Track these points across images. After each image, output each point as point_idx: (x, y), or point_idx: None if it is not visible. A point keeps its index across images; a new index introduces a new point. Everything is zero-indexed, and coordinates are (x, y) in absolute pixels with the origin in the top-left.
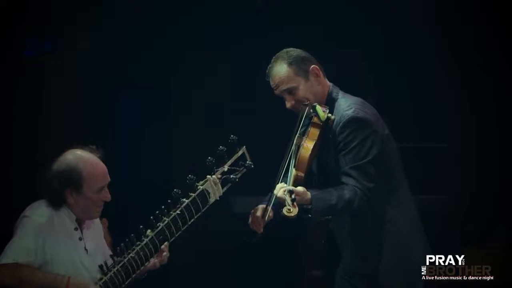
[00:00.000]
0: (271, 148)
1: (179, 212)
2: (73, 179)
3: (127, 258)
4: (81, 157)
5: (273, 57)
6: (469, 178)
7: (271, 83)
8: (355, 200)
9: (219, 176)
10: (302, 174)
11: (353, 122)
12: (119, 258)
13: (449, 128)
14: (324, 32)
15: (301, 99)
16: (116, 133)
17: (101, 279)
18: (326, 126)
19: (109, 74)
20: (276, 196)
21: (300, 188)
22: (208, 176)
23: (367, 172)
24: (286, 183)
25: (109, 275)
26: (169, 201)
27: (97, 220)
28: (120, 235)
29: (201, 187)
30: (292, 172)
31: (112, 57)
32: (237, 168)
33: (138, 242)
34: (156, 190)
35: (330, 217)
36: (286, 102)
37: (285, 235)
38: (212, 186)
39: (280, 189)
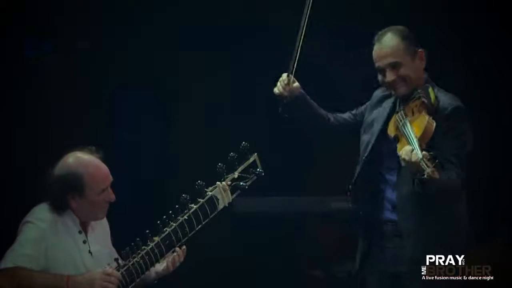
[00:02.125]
0: (271, 148)
1: (186, 218)
2: (74, 184)
3: (131, 262)
4: (81, 160)
5: (384, 29)
6: (471, 177)
7: (377, 52)
8: (456, 185)
9: (228, 182)
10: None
11: (462, 112)
12: (124, 262)
13: None
14: (324, 32)
15: (403, 77)
16: (116, 133)
17: None
18: (431, 109)
19: (109, 74)
20: (408, 161)
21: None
22: (217, 183)
23: (464, 162)
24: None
25: None
26: (176, 206)
27: (104, 220)
28: (120, 235)
29: (210, 193)
30: (417, 142)
31: (112, 57)
32: (248, 175)
33: (144, 247)
34: (156, 191)
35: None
36: (387, 76)
37: (285, 235)
38: (221, 192)
39: (411, 153)
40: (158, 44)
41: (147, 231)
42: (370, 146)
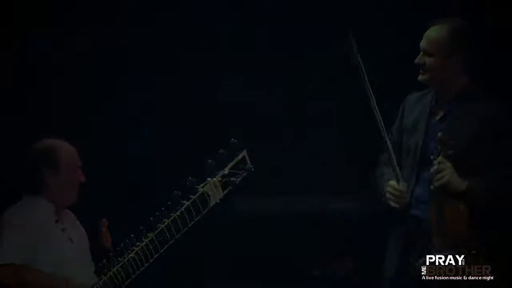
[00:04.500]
0: (271, 148)
1: (179, 214)
2: (49, 156)
3: (127, 259)
4: (53, 140)
5: (448, 19)
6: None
7: (425, 33)
8: None
9: (219, 179)
10: None
11: None
12: (119, 259)
13: None
14: (322, 32)
15: (427, 66)
16: (116, 133)
17: (100, 279)
18: None
19: (109, 74)
20: None
21: None
22: (208, 179)
23: None
24: None
25: (108, 275)
26: (169, 202)
27: (71, 213)
28: (120, 235)
29: (202, 189)
30: None
31: (112, 57)
32: (238, 172)
33: (138, 243)
34: (156, 190)
35: None
36: (418, 56)
37: (285, 235)
38: (212, 188)
39: None
40: (157, 44)
41: (141, 227)
42: (419, 147)
